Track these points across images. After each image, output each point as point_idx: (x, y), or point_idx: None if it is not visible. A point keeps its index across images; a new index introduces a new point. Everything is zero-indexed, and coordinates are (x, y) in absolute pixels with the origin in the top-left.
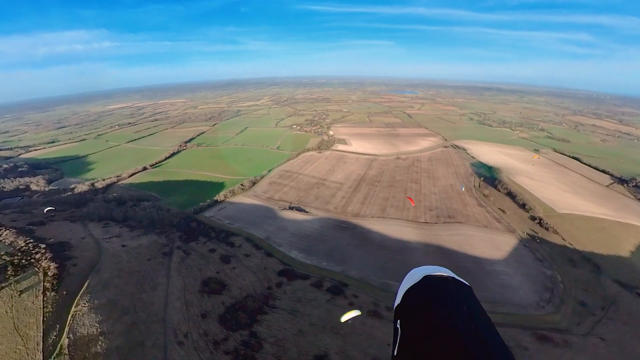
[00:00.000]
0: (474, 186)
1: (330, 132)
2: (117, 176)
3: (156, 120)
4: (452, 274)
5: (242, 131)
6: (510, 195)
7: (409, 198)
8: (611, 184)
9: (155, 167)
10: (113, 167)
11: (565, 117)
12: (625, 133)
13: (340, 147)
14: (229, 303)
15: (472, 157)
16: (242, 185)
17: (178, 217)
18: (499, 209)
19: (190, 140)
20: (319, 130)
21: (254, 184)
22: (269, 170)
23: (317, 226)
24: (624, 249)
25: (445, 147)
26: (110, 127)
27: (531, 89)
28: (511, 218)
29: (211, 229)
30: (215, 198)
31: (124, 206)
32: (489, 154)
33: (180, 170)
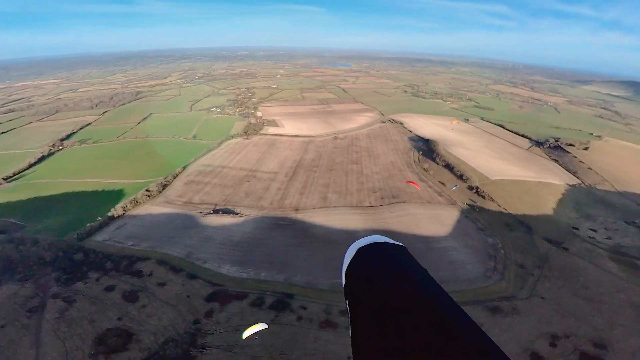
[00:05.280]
0: (414, 161)
1: (258, 113)
2: None
3: (12, 111)
4: (384, 239)
5: (144, 119)
6: (449, 167)
7: (412, 182)
8: (530, 147)
9: (13, 179)
10: None
11: (488, 86)
12: (537, 99)
13: (271, 130)
14: (140, 359)
15: (410, 131)
16: (147, 190)
17: (53, 250)
18: (439, 182)
19: (68, 137)
20: (244, 111)
21: (164, 187)
22: (184, 167)
23: (250, 229)
24: (548, 208)
25: (383, 122)
26: None
27: (457, 59)
28: (451, 190)
29: (107, 258)
30: (110, 213)
31: None
32: (425, 126)
33: (55, 181)
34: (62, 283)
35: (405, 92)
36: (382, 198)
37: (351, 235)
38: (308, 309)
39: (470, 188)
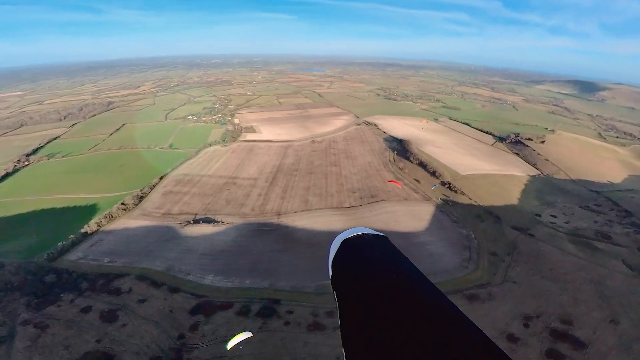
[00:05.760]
0: (390, 161)
1: (236, 120)
2: None
3: None
4: (367, 230)
5: (117, 130)
6: (422, 164)
7: (394, 181)
8: (494, 142)
9: None
10: None
11: (453, 87)
12: (497, 99)
13: (249, 136)
14: None
15: (384, 132)
16: (123, 204)
17: (21, 273)
18: (414, 179)
19: (35, 151)
20: (221, 119)
21: (141, 199)
22: (162, 178)
23: (233, 237)
24: (513, 198)
25: (358, 124)
26: None
27: (424, 63)
28: (426, 187)
29: (81, 278)
30: (83, 230)
31: None
32: (398, 127)
33: (21, 199)
34: (33, 308)
35: (378, 95)
36: (361, 198)
37: (334, 237)
38: (295, 312)
39: (443, 184)
